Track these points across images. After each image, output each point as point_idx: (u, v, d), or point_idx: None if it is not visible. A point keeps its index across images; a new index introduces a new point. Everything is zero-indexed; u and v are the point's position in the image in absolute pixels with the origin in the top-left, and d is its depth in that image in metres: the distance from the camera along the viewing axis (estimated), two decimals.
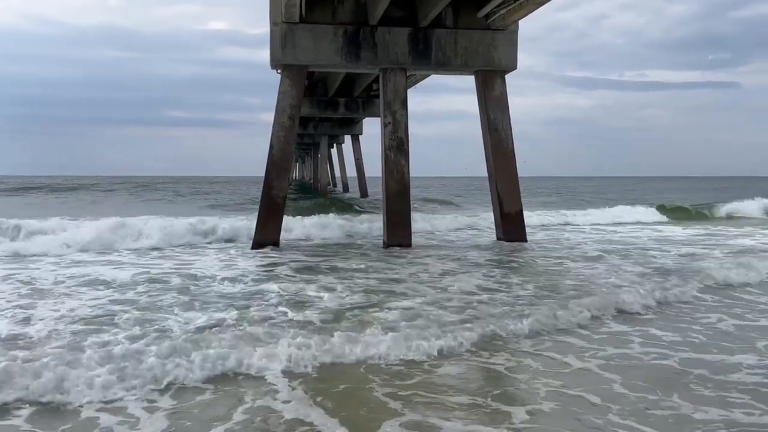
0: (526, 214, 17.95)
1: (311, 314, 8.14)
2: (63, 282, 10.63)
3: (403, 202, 16.57)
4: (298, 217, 20.02)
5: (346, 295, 9.43)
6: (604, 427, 4.84)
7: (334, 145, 61.46)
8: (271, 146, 16.32)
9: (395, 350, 6.55)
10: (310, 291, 9.77)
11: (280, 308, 8.56)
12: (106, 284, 10.40)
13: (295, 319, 7.93)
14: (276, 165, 16.39)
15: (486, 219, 21.65)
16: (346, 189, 62.49)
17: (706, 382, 5.81)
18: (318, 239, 18.19)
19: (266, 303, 8.93)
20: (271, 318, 7.97)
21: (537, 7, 14.69)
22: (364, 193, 50.18)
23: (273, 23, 16.03)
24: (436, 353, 6.61)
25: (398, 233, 16.30)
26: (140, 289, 9.98)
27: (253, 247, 15.79)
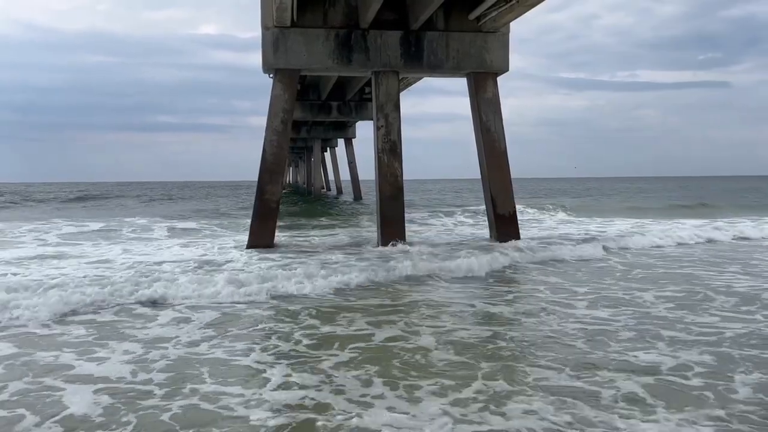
0: None
1: None
2: None
3: (396, 205, 16.57)
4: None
5: None
6: None
7: (328, 148, 61.53)
8: (264, 150, 16.30)
9: None
10: None
11: None
12: None
13: None
14: (269, 169, 16.36)
15: None
16: (340, 192, 62.56)
17: None
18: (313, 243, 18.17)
19: None
20: None
21: (528, 9, 14.73)
22: (358, 197, 50.20)
23: (265, 27, 16.03)
24: None
25: (393, 236, 16.27)
26: None
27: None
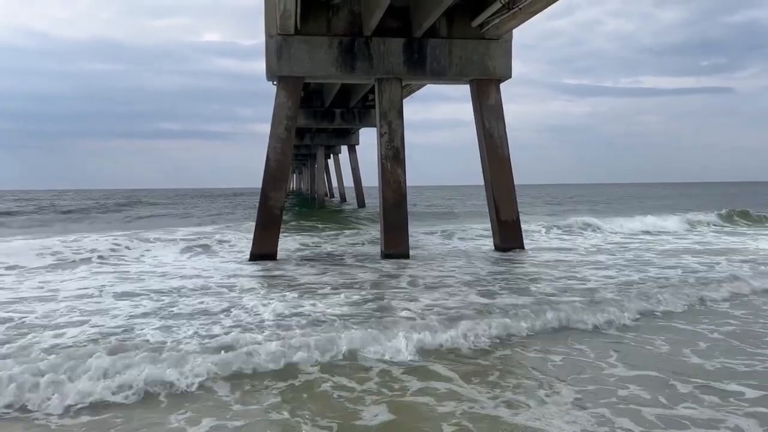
0: None
1: None
2: None
3: (400, 212, 16.58)
4: None
5: None
6: None
7: (331, 155, 61.60)
8: (268, 158, 16.34)
9: None
10: None
11: None
12: None
13: None
14: (273, 176, 16.41)
15: None
16: (343, 199, 62.55)
17: None
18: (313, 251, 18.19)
19: None
20: None
21: (531, 16, 14.77)
22: (361, 203, 50.21)
23: (268, 35, 16.10)
24: None
25: (396, 243, 16.30)
26: None
27: (250, 260, 15.81)
